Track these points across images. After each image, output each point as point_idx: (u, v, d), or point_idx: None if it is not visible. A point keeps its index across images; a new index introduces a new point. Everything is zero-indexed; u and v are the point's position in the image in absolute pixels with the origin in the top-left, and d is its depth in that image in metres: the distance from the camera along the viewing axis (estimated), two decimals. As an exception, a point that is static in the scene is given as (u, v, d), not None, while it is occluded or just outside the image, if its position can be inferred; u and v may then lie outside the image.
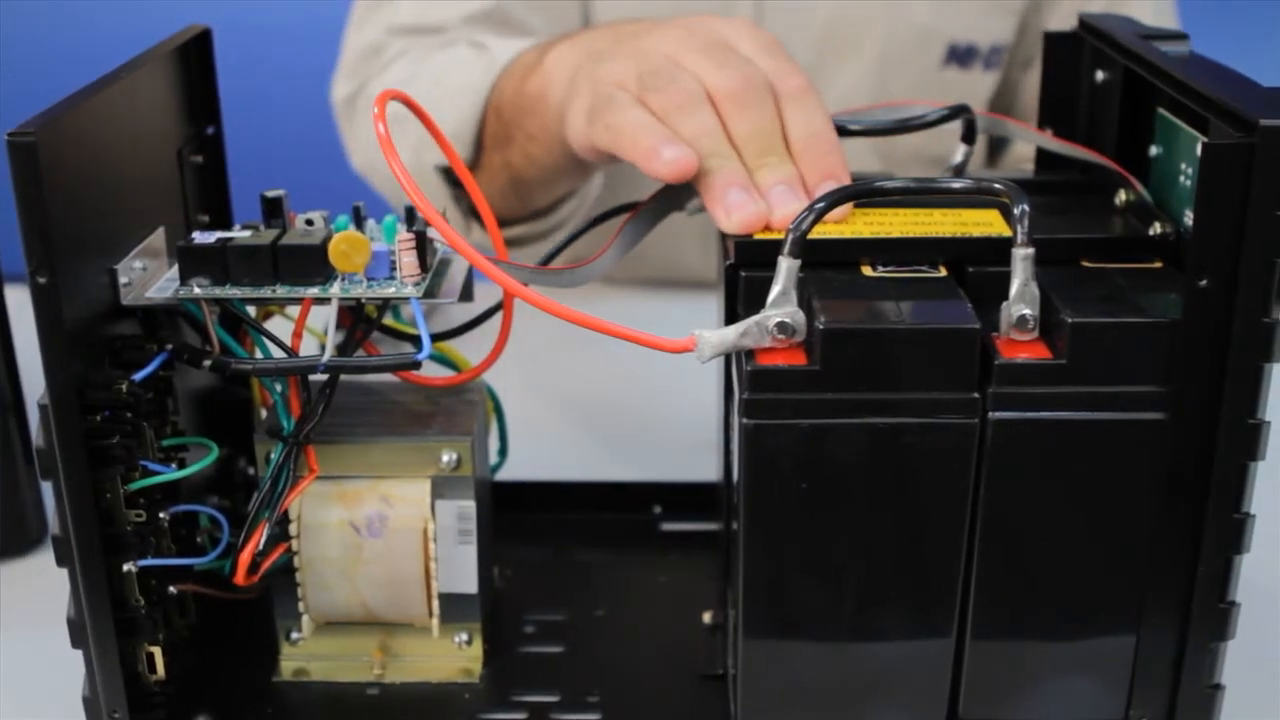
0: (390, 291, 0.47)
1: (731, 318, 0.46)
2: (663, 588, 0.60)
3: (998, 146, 1.00)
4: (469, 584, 0.53)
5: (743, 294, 0.46)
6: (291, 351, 0.48)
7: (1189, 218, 0.46)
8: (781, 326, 0.42)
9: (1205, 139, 0.43)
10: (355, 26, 0.96)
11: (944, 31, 0.96)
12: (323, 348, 0.48)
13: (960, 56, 0.97)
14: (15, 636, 0.58)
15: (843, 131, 0.53)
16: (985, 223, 0.48)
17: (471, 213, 0.83)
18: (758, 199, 0.48)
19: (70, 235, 0.44)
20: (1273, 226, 0.40)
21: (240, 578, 0.49)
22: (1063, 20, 0.98)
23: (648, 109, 0.52)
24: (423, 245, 0.48)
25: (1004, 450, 0.43)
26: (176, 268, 0.48)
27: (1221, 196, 0.40)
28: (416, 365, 0.48)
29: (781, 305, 0.42)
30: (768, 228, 0.48)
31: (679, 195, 0.53)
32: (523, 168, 0.77)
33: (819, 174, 0.50)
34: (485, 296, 0.54)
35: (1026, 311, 0.42)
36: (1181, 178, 0.48)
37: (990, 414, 0.42)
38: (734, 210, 0.48)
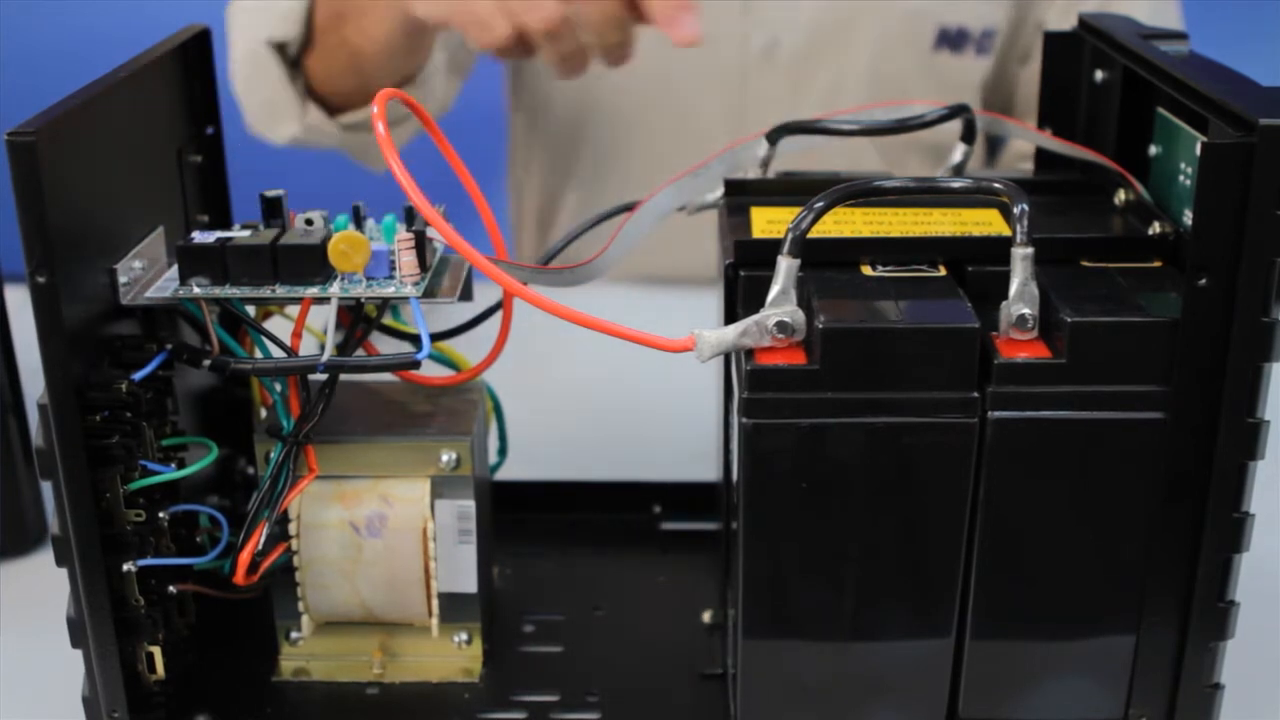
0: (390, 291, 0.47)
1: (731, 317, 0.46)
2: (663, 588, 0.60)
3: (998, 141, 1.00)
4: (469, 584, 0.53)
5: (742, 293, 0.46)
6: (291, 351, 0.48)
7: (1189, 217, 0.46)
8: (781, 326, 0.42)
9: (1205, 139, 0.43)
10: None
11: (934, 14, 0.96)
12: (322, 347, 0.48)
13: (952, 40, 0.97)
14: (15, 636, 0.58)
15: (841, 132, 0.53)
16: (985, 222, 0.49)
17: (309, 93, 0.85)
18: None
19: (70, 235, 0.44)
20: (1273, 226, 0.40)
21: (240, 577, 0.49)
22: (1059, 13, 0.98)
23: None
24: (422, 245, 0.48)
25: (1004, 450, 0.43)
26: (176, 267, 0.48)
27: (1221, 196, 0.40)
28: (416, 365, 0.48)
29: (781, 304, 0.42)
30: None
31: (681, 194, 0.53)
32: (359, 44, 0.80)
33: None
34: (485, 296, 0.54)
35: (1026, 311, 0.42)
36: (1181, 177, 0.48)
37: (990, 413, 0.42)
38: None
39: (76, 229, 0.45)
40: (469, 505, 0.52)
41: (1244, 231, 0.40)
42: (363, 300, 0.48)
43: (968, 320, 0.42)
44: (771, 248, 0.43)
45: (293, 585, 0.52)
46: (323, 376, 0.49)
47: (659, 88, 0.97)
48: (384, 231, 0.48)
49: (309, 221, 0.49)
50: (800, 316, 0.42)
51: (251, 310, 0.49)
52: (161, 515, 0.49)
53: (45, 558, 0.61)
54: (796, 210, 0.42)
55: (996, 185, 0.43)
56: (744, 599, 0.45)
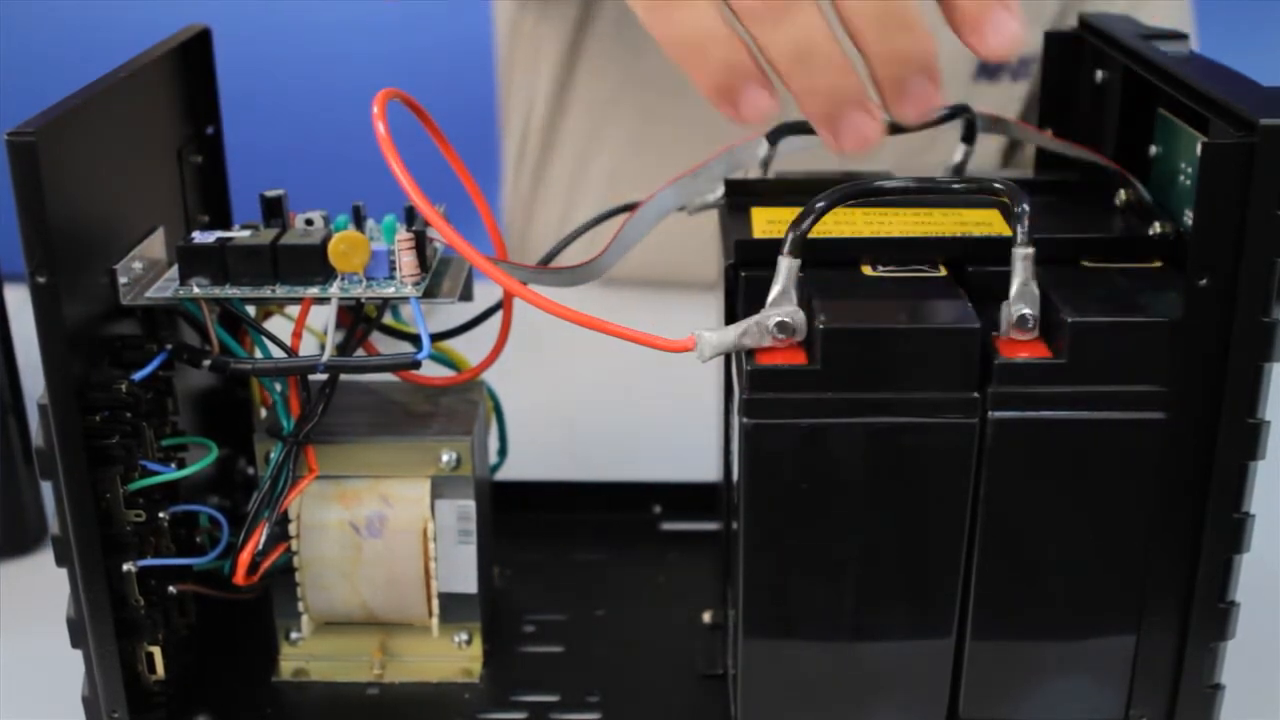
0: (390, 291, 0.47)
1: (731, 317, 0.46)
2: (663, 588, 0.60)
3: (1014, 146, 0.99)
4: (469, 584, 0.53)
5: (743, 294, 0.46)
6: (291, 351, 0.48)
7: (1189, 218, 0.46)
8: (781, 326, 0.42)
9: (1205, 139, 0.43)
10: None
11: None
12: (322, 347, 0.48)
13: (990, 70, 0.96)
14: (15, 636, 0.58)
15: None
16: (985, 222, 0.49)
17: None
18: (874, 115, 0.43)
19: (70, 235, 0.44)
20: (1273, 226, 0.40)
21: (240, 578, 0.49)
22: None
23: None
24: (422, 245, 0.48)
25: (1004, 450, 0.43)
26: (176, 267, 0.48)
27: (1221, 196, 0.40)
28: (416, 365, 0.48)
29: (781, 305, 0.42)
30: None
31: (682, 194, 0.53)
32: None
33: (902, 74, 0.43)
34: (485, 296, 0.54)
35: (1026, 311, 0.42)
36: (1181, 177, 0.48)
37: (990, 414, 0.42)
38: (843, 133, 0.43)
39: (76, 229, 0.45)
40: (469, 505, 0.52)
41: (1244, 231, 0.40)
42: (363, 300, 0.48)
43: (968, 320, 0.42)
44: (772, 248, 0.43)
45: (293, 585, 0.52)
46: (323, 376, 0.49)
47: (674, 116, 0.96)
48: (384, 231, 0.48)
49: (309, 221, 0.49)
50: (801, 317, 0.42)
51: (251, 310, 0.49)
52: (161, 515, 0.49)
53: (45, 558, 0.61)
54: (797, 210, 0.42)
55: (996, 185, 0.43)
56: (744, 599, 0.45)
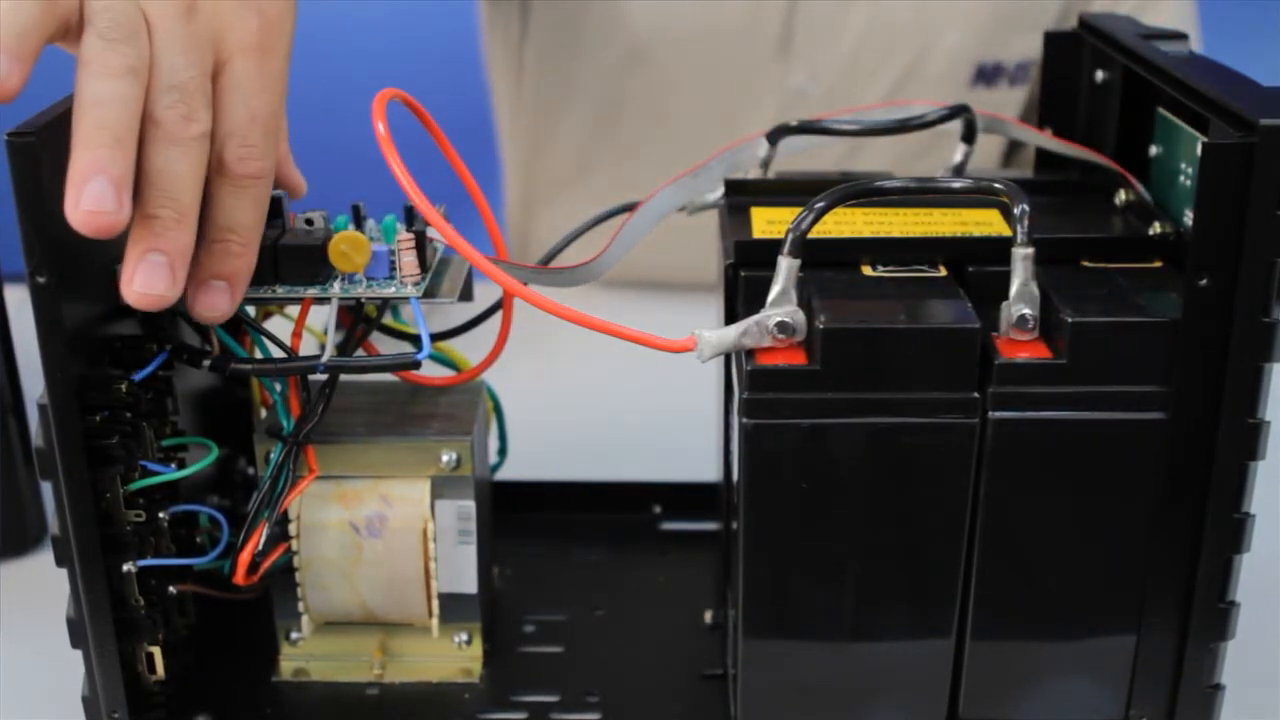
0: (390, 291, 0.47)
1: (731, 317, 0.46)
2: (663, 588, 0.60)
3: (1014, 146, 0.99)
4: (469, 584, 0.53)
5: (743, 294, 0.46)
6: (291, 351, 0.48)
7: (1189, 218, 0.46)
8: (781, 326, 0.42)
9: (1205, 139, 0.43)
10: None
11: (972, 52, 0.95)
12: (322, 348, 0.48)
13: (987, 76, 0.96)
14: (15, 636, 0.58)
15: (842, 132, 0.53)
16: (985, 222, 0.49)
17: None
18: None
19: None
20: (1273, 226, 0.40)
21: (240, 578, 0.49)
22: None
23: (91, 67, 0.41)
24: (422, 245, 0.48)
25: (1004, 450, 0.43)
26: (176, 268, 0.48)
27: (1221, 196, 0.40)
28: (416, 365, 0.48)
29: (781, 305, 0.42)
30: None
31: (682, 194, 0.53)
32: None
33: (211, 273, 0.44)
34: (485, 296, 0.54)
35: (1026, 311, 0.42)
36: (1181, 178, 0.48)
37: (990, 414, 0.42)
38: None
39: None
40: (469, 505, 0.52)
41: (1244, 231, 0.40)
42: (363, 300, 0.48)
43: (968, 320, 0.42)
44: (772, 248, 0.43)
45: (293, 585, 0.52)
46: (323, 377, 0.48)
47: (689, 121, 0.96)
48: (384, 231, 0.48)
49: (309, 221, 0.49)
50: (801, 317, 0.42)
51: (251, 310, 0.49)
52: (161, 515, 0.49)
53: (45, 558, 0.61)
54: (797, 210, 0.42)
55: (996, 185, 0.43)
56: (744, 599, 0.45)
